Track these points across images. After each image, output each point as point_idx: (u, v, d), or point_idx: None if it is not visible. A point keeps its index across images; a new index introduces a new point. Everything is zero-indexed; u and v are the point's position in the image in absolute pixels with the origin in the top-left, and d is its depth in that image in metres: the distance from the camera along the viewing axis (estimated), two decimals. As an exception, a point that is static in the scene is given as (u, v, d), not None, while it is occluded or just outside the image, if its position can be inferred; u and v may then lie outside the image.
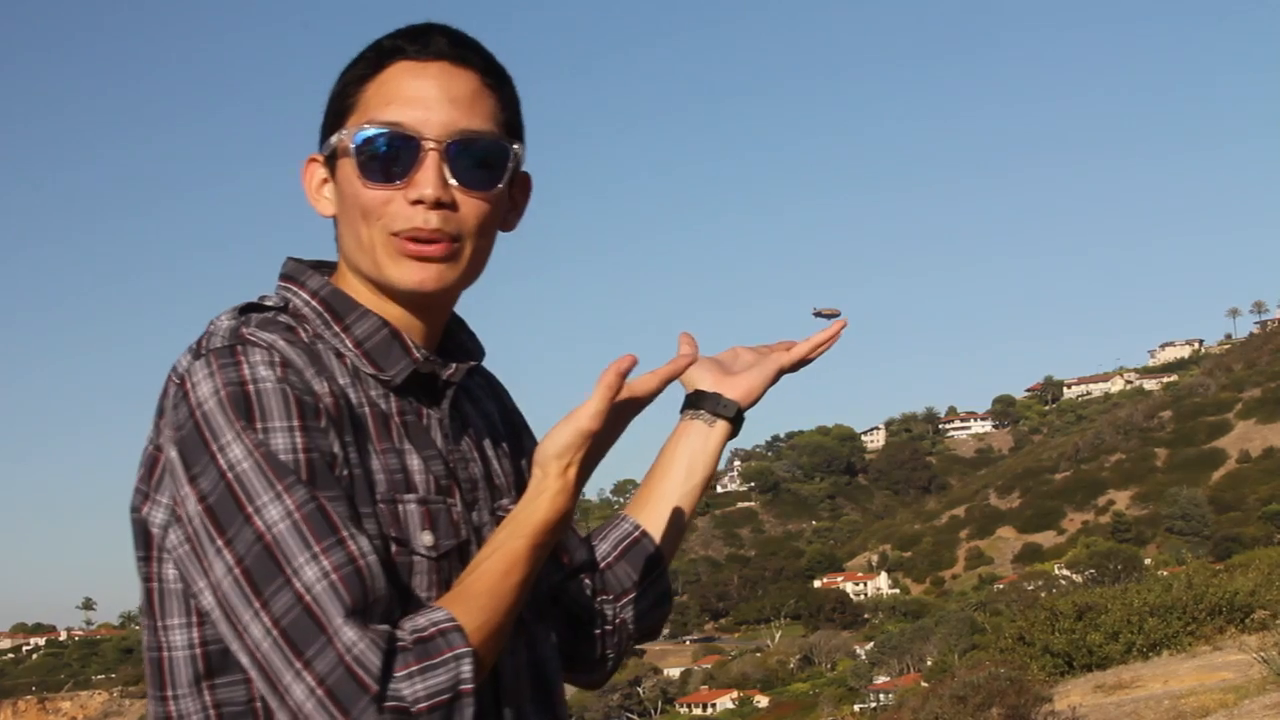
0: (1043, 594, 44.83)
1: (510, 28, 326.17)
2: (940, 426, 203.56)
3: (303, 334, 1.66)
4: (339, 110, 1.72)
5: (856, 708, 70.24)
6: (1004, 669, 16.39)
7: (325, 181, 1.75)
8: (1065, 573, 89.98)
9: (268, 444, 1.52)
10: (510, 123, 1.75)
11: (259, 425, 1.53)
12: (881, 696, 67.29)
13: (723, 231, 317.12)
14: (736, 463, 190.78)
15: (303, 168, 1.77)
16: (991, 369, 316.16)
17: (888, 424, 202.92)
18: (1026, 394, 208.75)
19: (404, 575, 1.61)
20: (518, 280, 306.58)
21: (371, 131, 1.67)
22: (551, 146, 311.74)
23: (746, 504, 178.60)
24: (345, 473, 1.57)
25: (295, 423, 1.54)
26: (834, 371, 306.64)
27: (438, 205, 1.66)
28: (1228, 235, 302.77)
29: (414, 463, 1.67)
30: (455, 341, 1.84)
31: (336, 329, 1.70)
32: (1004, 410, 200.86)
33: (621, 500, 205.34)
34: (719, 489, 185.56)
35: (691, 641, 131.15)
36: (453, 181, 1.67)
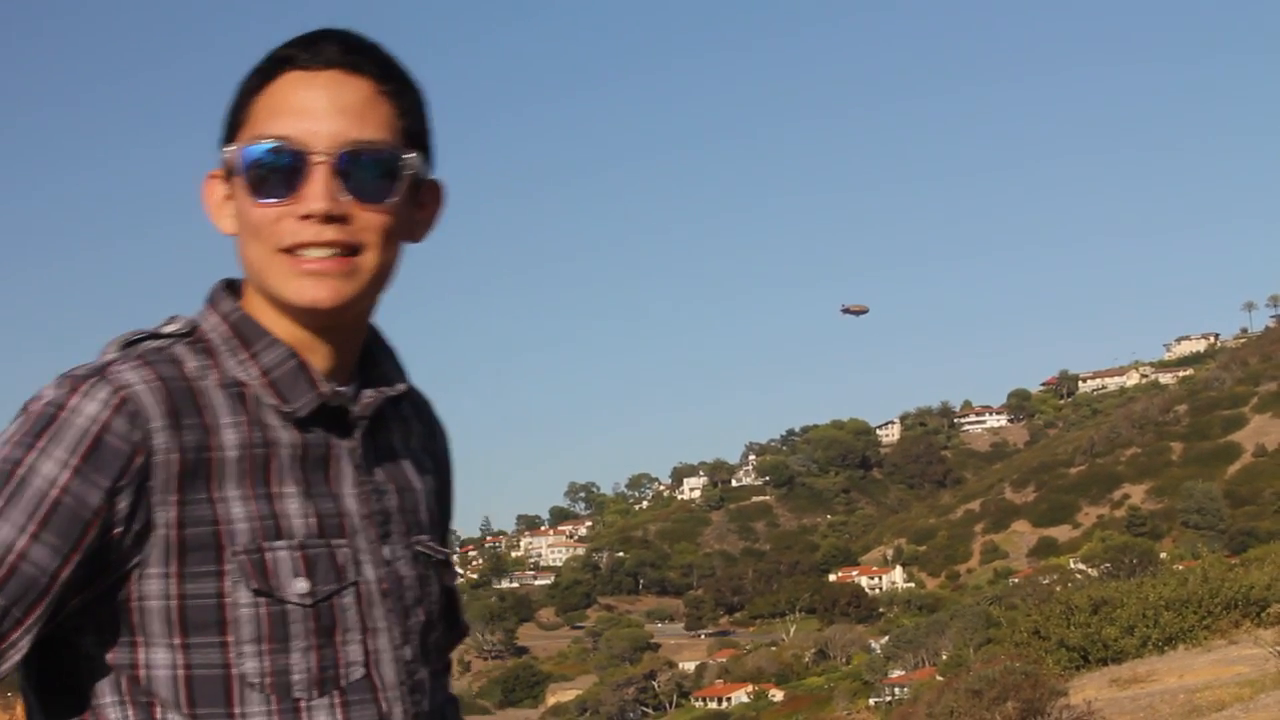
0: (1058, 588, 44.83)
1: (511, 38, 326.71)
2: (955, 420, 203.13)
3: (189, 368, 1.60)
4: (232, 124, 1.66)
5: (871, 702, 70.37)
6: (1019, 663, 16.46)
7: (227, 198, 1.67)
8: (1080, 567, 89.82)
9: (34, 465, 1.50)
10: (411, 130, 1.67)
11: (39, 445, 1.51)
12: (897, 690, 67.37)
13: (735, 227, 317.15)
14: (751, 457, 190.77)
15: (203, 185, 1.70)
16: (1006, 363, 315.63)
17: (902, 418, 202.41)
18: (1041, 388, 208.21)
19: (276, 626, 1.56)
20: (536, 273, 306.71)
21: (258, 146, 1.60)
22: (568, 149, 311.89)
23: (761, 498, 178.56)
24: (126, 529, 1.53)
25: (75, 462, 1.50)
26: (849, 365, 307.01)
27: (328, 219, 1.59)
28: (1243, 229, 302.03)
29: (292, 506, 1.60)
30: (379, 369, 1.75)
31: (243, 356, 1.63)
32: (1019, 404, 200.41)
33: (636, 494, 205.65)
34: (734, 483, 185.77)
35: (706, 635, 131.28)
36: (345, 195, 1.60)
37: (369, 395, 1.70)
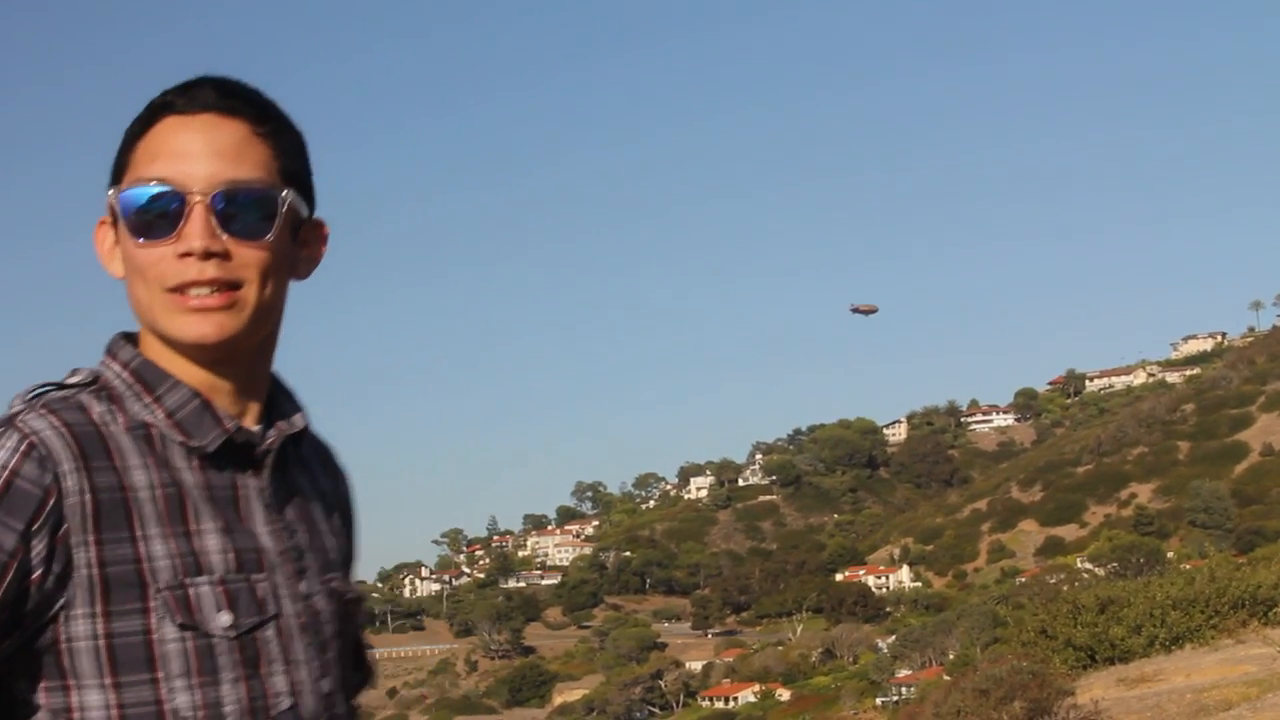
0: (1065, 587, 44.81)
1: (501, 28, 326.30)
2: (962, 420, 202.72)
3: (95, 413, 1.65)
4: (117, 169, 1.72)
5: (878, 701, 70.44)
6: (1026, 662, 16.45)
7: (116, 244, 1.73)
8: (1087, 566, 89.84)
9: None
10: (287, 170, 1.74)
11: None
12: (903, 690, 67.48)
13: (741, 225, 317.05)
14: (758, 456, 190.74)
15: (94, 232, 1.76)
16: (1013, 362, 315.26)
17: (909, 417, 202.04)
18: (1048, 387, 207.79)
19: (204, 659, 1.60)
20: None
21: (137, 190, 1.67)
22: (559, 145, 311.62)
23: (768, 497, 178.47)
24: (45, 572, 1.56)
25: None
26: (855, 365, 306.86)
27: (208, 256, 1.65)
28: (1250, 227, 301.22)
29: (211, 543, 1.64)
30: (279, 410, 1.81)
31: (148, 400, 1.68)
32: (1026, 403, 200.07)
33: (643, 493, 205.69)
34: (740, 482, 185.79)
35: (713, 635, 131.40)
36: (223, 233, 1.66)
37: (272, 434, 1.76)
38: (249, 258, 1.68)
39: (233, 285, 1.68)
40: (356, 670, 1.93)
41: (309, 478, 1.86)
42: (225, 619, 1.62)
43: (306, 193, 1.78)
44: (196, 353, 1.70)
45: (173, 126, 1.69)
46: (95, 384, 1.70)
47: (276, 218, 1.70)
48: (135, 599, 1.58)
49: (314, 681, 1.71)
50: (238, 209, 1.67)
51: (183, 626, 1.60)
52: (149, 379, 1.70)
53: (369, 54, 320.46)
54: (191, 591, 1.61)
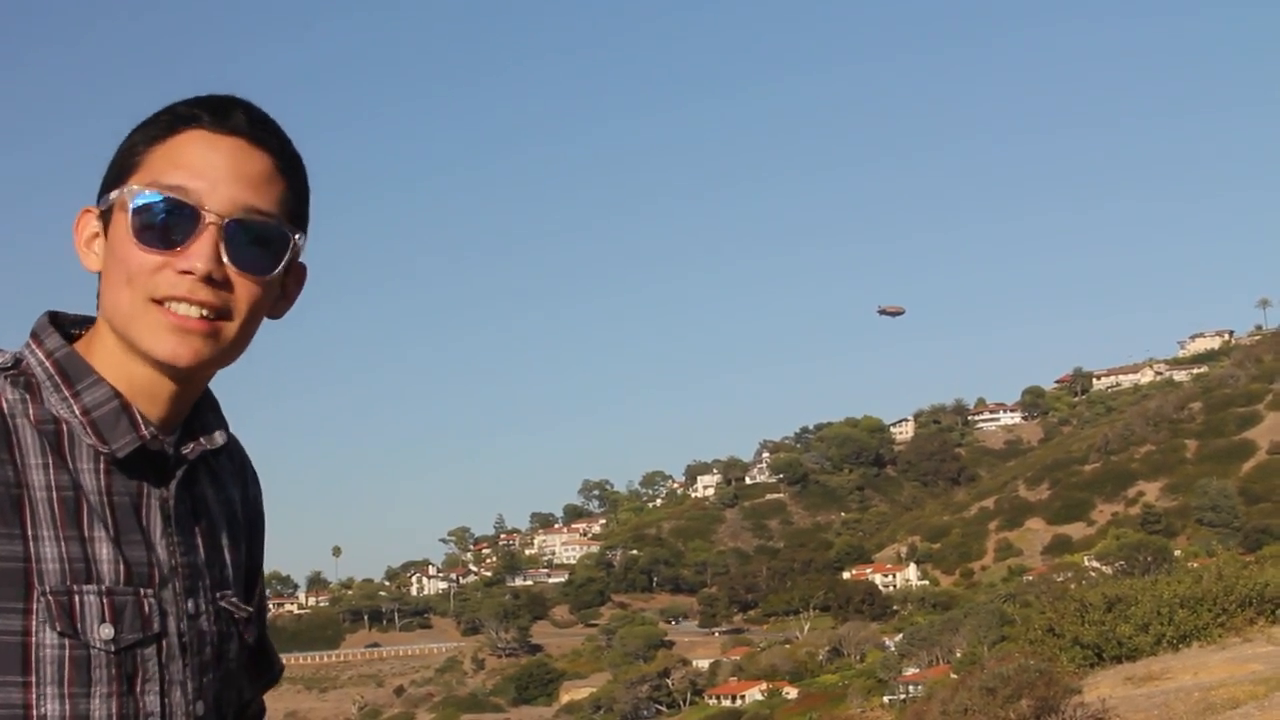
0: (1072, 586, 44.76)
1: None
2: (969, 418, 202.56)
3: (4, 402, 1.59)
4: (123, 167, 1.66)
5: (885, 699, 70.21)
6: (1033, 661, 16.45)
7: (96, 236, 1.68)
8: (1095, 564, 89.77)
9: None
10: (296, 212, 1.70)
11: None
12: (911, 688, 67.28)
13: (750, 224, 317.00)
14: (765, 454, 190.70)
15: (76, 218, 1.70)
16: (1020, 360, 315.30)
17: (916, 415, 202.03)
18: (1056, 385, 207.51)
19: (79, 670, 1.55)
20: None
21: (152, 195, 1.62)
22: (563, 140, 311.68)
23: (775, 495, 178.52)
24: None
25: None
26: (863, 363, 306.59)
27: (207, 280, 1.61)
28: (1257, 225, 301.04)
29: (103, 551, 1.59)
30: (200, 419, 1.75)
31: (65, 394, 1.63)
32: (1033, 401, 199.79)
33: (650, 491, 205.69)
34: (748, 480, 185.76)
35: (720, 633, 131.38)
36: (227, 260, 1.62)
37: (190, 445, 1.71)
38: (244, 290, 1.65)
39: (220, 314, 1.64)
40: (265, 672, 1.95)
41: (216, 489, 1.80)
42: (107, 632, 1.57)
43: (306, 236, 1.75)
44: (159, 368, 1.65)
45: (199, 140, 1.64)
46: (15, 368, 1.65)
47: (284, 257, 1.68)
48: (18, 598, 1.53)
49: (188, 704, 1.66)
50: (246, 239, 1.64)
51: (62, 634, 1.54)
52: (71, 372, 1.65)
53: (339, 41, 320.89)
54: (77, 599, 1.56)
